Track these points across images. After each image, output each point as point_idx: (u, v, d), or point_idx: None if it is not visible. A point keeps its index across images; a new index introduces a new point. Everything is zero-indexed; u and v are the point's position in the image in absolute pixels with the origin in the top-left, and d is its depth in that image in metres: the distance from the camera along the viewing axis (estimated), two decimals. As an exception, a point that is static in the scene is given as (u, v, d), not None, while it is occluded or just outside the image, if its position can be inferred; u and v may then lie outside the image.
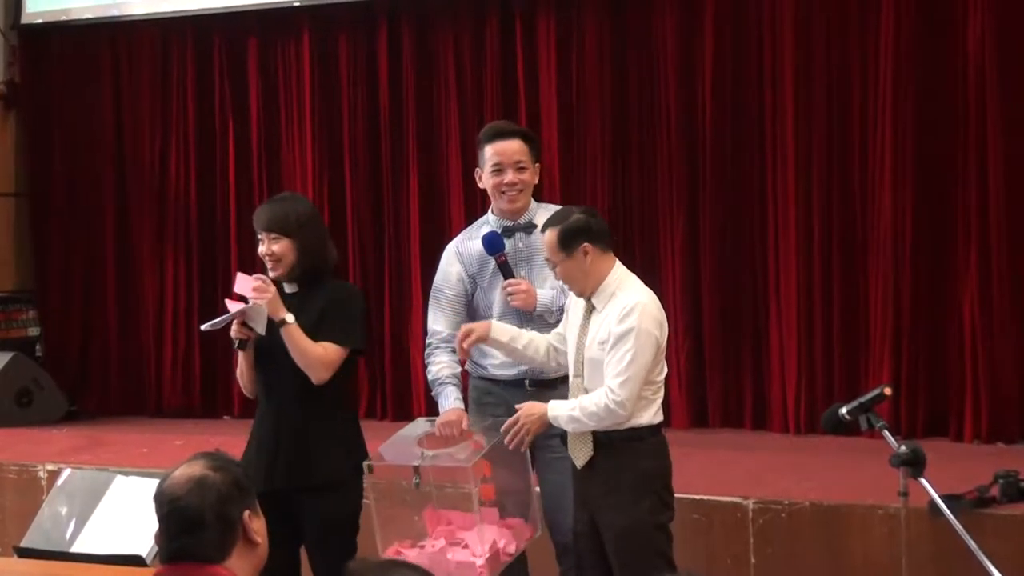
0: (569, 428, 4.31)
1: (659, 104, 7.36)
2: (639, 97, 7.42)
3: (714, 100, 7.21)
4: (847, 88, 6.96)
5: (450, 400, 4.66)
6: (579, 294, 4.34)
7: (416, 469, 4.43)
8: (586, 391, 4.29)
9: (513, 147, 4.70)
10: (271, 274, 4.63)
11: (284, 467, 4.51)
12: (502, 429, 4.38)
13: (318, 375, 4.53)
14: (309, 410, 4.57)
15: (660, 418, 4.35)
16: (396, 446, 4.63)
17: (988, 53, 6.60)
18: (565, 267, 4.28)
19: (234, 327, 4.57)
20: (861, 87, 6.91)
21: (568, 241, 4.26)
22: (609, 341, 4.20)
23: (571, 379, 4.38)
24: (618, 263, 4.35)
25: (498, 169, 4.70)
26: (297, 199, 4.91)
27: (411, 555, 4.41)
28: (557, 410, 4.29)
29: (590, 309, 4.31)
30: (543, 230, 4.37)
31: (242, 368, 4.67)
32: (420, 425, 4.77)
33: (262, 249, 4.63)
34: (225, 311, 4.59)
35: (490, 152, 4.72)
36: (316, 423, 4.57)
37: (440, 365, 4.74)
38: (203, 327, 4.75)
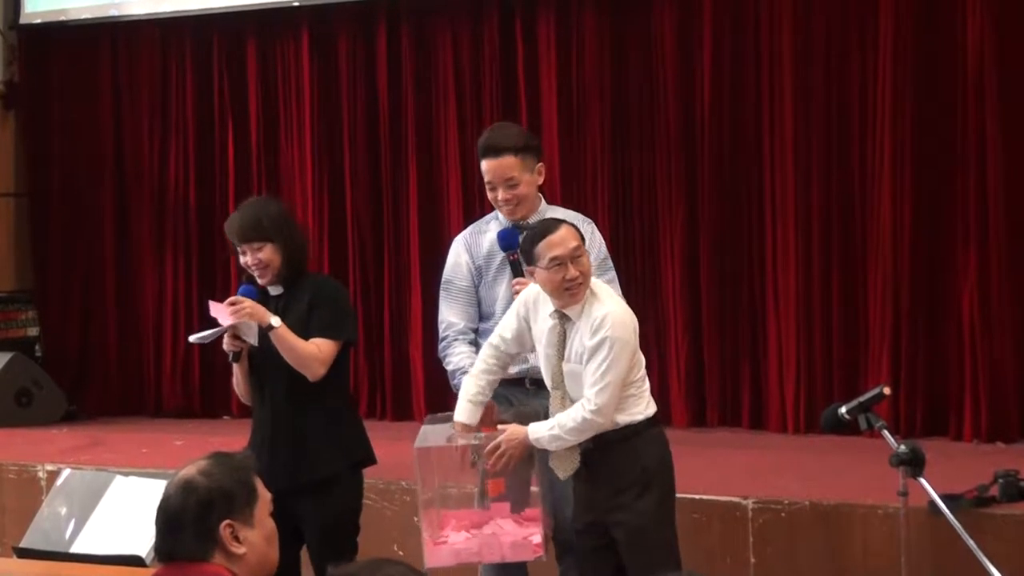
0: (552, 447, 4.33)
1: (659, 103, 7.35)
2: (639, 96, 7.41)
3: (713, 99, 7.20)
4: (846, 88, 6.95)
5: None
6: (571, 300, 4.28)
7: (476, 448, 4.45)
8: (572, 401, 4.30)
9: (503, 165, 4.68)
10: (260, 281, 4.61)
11: (282, 467, 4.49)
12: (484, 452, 4.39)
13: (314, 372, 4.53)
14: (303, 408, 4.58)
15: (653, 409, 4.38)
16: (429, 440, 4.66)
17: (988, 53, 6.60)
18: (588, 259, 4.31)
19: (226, 341, 4.56)
20: (860, 86, 6.90)
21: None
22: (584, 354, 4.23)
23: (551, 392, 4.38)
24: None
25: (491, 187, 4.73)
26: (267, 202, 4.89)
27: (460, 542, 4.43)
28: (538, 432, 4.31)
29: (563, 321, 4.31)
30: (554, 228, 4.31)
31: (238, 378, 4.68)
32: (441, 424, 4.77)
33: (246, 260, 4.60)
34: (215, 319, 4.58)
35: (483, 168, 4.75)
36: (311, 421, 4.58)
37: (461, 355, 4.72)
38: (191, 339, 4.74)
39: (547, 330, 4.33)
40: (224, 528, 2.80)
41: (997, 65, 6.60)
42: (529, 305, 4.41)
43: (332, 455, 4.59)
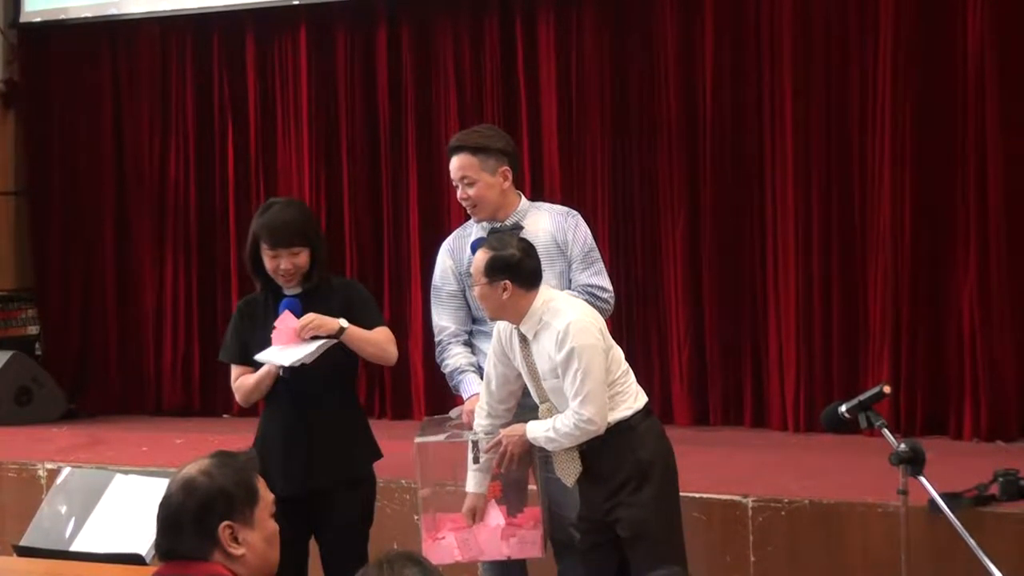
0: (549, 447, 4.37)
1: (659, 103, 7.35)
2: (639, 96, 7.41)
3: (714, 99, 7.20)
4: (846, 87, 6.95)
5: (473, 387, 4.67)
6: (490, 318, 4.44)
7: (475, 444, 4.49)
8: (560, 412, 4.33)
9: (459, 163, 4.72)
10: (286, 287, 4.60)
11: (324, 466, 4.57)
12: (484, 450, 4.43)
13: (392, 355, 4.68)
14: (340, 410, 4.66)
15: (642, 400, 4.40)
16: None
17: (988, 53, 6.60)
18: (483, 291, 4.35)
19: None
20: (860, 86, 6.90)
21: (493, 271, 4.31)
22: (557, 369, 4.26)
23: (539, 405, 4.41)
24: (543, 291, 4.36)
25: (455, 184, 4.77)
26: (301, 205, 4.90)
27: (461, 536, 4.44)
28: (535, 432, 4.35)
29: (523, 338, 4.35)
30: (476, 248, 4.46)
31: (264, 382, 4.63)
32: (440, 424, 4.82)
33: (278, 264, 4.55)
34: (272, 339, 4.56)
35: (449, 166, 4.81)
36: (348, 421, 4.68)
37: (456, 356, 4.77)
38: (288, 365, 4.53)
39: (515, 349, 4.37)
40: (223, 529, 2.80)
41: (997, 65, 6.60)
42: (504, 342, 4.43)
43: (365, 452, 4.71)
